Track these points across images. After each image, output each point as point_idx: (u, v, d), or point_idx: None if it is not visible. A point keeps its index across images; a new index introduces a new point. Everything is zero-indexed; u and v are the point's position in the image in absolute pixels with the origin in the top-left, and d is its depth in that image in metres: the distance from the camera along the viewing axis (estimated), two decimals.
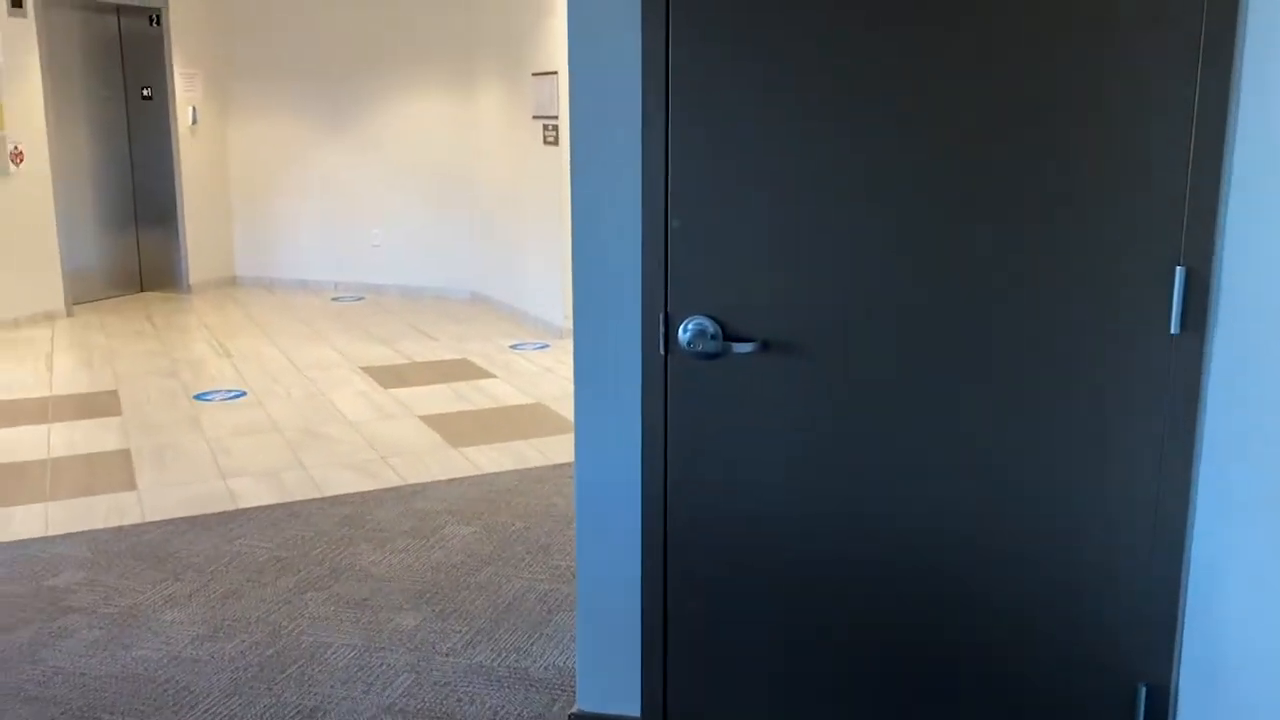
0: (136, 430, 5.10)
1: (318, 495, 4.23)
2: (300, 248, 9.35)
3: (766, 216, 2.10)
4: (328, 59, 8.91)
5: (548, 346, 6.96)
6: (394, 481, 4.39)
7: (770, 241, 2.11)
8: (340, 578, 3.48)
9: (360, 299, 8.85)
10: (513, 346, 6.95)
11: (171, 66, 8.79)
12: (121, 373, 6.24)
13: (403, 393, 5.79)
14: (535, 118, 7.29)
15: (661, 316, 2.19)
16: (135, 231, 9.05)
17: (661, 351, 2.20)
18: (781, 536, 2.22)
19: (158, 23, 8.71)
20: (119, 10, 8.65)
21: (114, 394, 5.77)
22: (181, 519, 3.98)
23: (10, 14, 7.42)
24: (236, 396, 5.73)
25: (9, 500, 4.17)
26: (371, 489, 4.30)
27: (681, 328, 2.17)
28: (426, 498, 4.19)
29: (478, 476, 4.43)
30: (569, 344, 7.01)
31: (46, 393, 5.79)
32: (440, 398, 5.69)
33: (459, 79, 8.50)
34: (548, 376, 6.17)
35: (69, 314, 8.01)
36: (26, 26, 7.55)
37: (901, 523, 2.16)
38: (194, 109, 9.02)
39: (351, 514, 4.03)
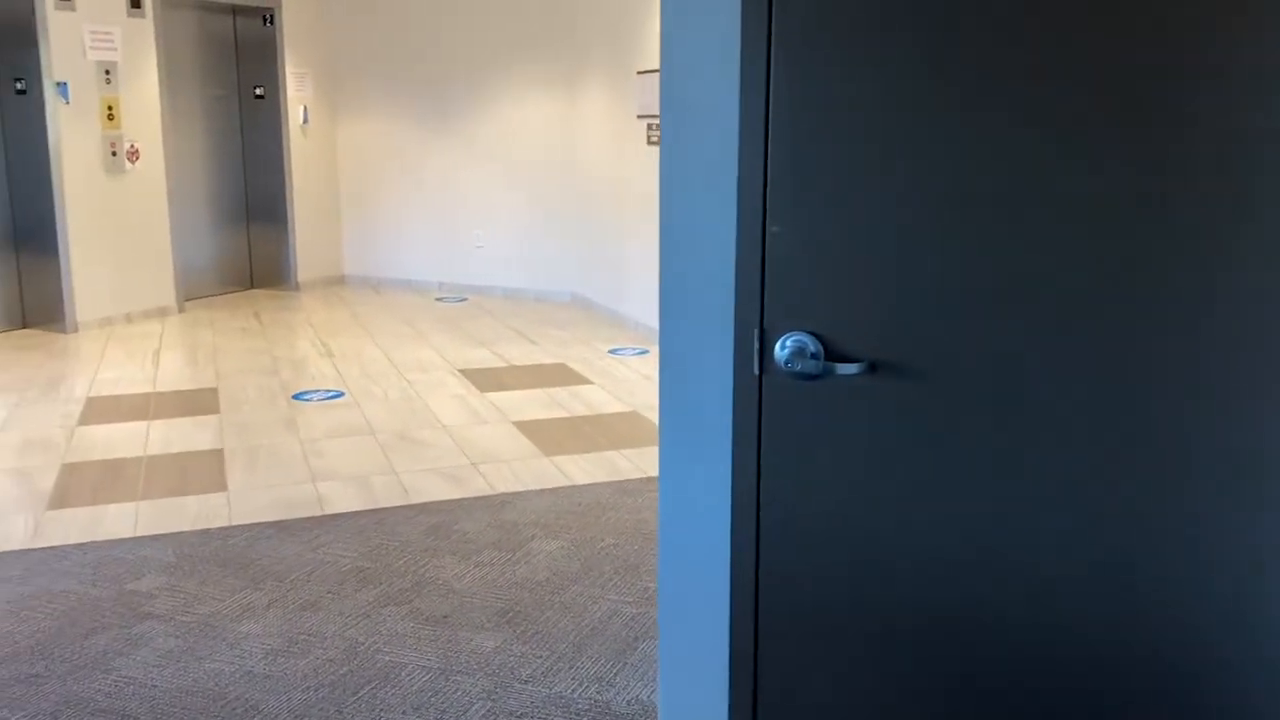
0: (232, 430, 5.09)
1: (405, 502, 4.13)
2: (406, 248, 9.37)
3: (877, 222, 1.87)
4: (435, 59, 8.90)
5: (647, 352, 6.79)
6: (483, 490, 4.26)
7: (881, 250, 1.88)
8: (422, 592, 3.35)
9: (463, 300, 8.82)
10: (611, 351, 6.79)
11: (283, 66, 8.89)
12: (224, 370, 6.27)
13: (499, 397, 5.68)
14: (639, 117, 7.12)
15: (756, 332, 1.97)
16: (247, 229, 9.18)
17: (756, 371, 1.99)
18: (888, 580, 1.99)
19: (271, 22, 8.82)
20: (234, 10, 8.78)
21: (214, 392, 5.79)
22: (268, 523, 3.92)
23: (129, 14, 7.57)
24: (334, 397, 5.69)
25: (103, 498, 4.17)
26: (460, 497, 4.18)
27: (779, 345, 1.96)
28: (515, 509, 4.05)
29: (568, 488, 4.27)
30: None
31: (150, 389, 5.85)
32: (536, 403, 5.56)
33: (564, 78, 8.39)
34: (645, 384, 5.99)
35: (180, 310, 8.15)
36: (145, 26, 7.70)
37: (1028, 571, 1.90)
38: (305, 108, 9.11)
39: (438, 523, 3.91)
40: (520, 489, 4.27)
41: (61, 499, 4.16)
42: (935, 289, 1.85)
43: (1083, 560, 1.86)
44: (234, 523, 3.93)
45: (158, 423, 5.21)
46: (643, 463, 4.59)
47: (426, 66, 8.95)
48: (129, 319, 7.75)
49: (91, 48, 7.31)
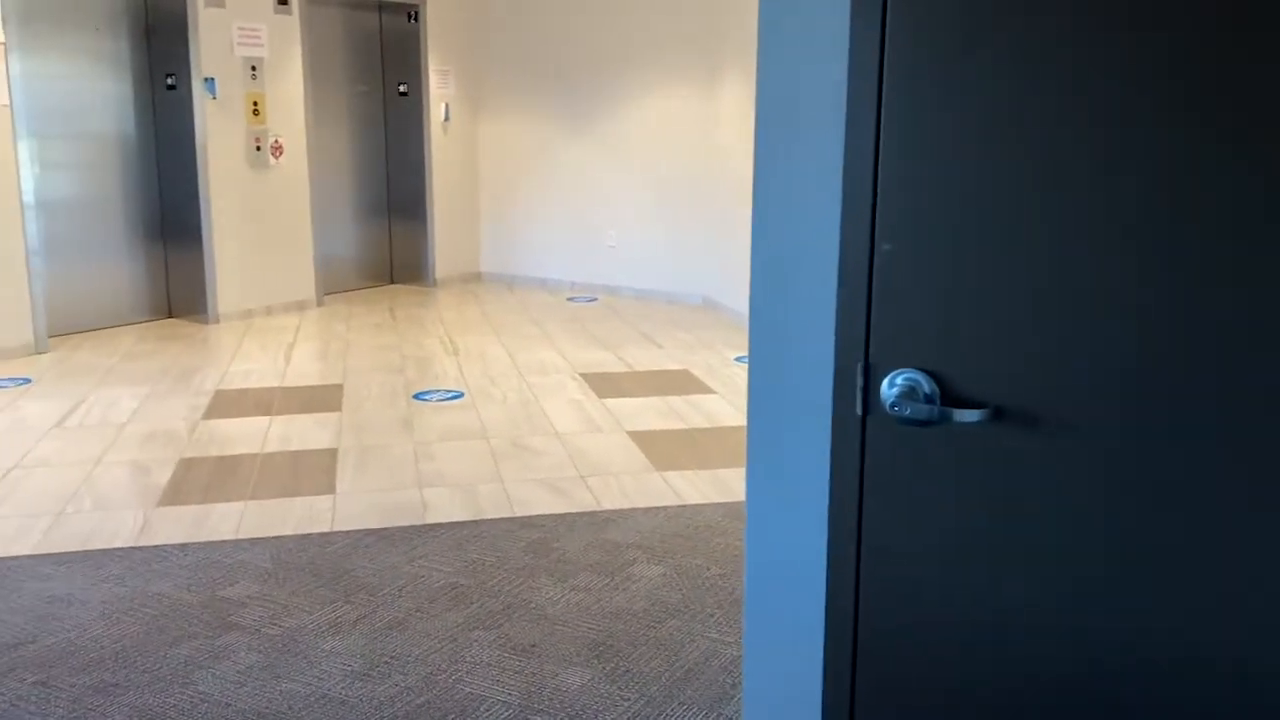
0: (350, 429, 5.05)
1: (508, 515, 3.97)
2: (541, 246, 9.30)
3: (1010, 240, 1.58)
4: (575, 56, 8.79)
5: None
6: (588, 505, 4.07)
7: (1013, 274, 1.58)
8: (512, 616, 3.18)
9: (594, 300, 8.68)
10: (738, 359, 6.53)
11: (427, 63, 8.92)
12: (351, 367, 6.28)
13: (616, 404, 5.49)
14: None
15: (860, 367, 1.70)
16: (388, 225, 9.28)
17: (859, 412, 1.72)
18: (1004, 648, 1.69)
19: (416, 19, 8.86)
20: (380, 7, 8.86)
21: (339, 389, 5.79)
22: (368, 530, 3.82)
23: (276, 10, 7.69)
24: (453, 398, 5.61)
25: (212, 496, 4.15)
26: (564, 512, 4.00)
27: (886, 383, 1.68)
28: (619, 527, 3.84)
29: (677, 508, 4.04)
30: None
31: (277, 384, 5.88)
32: (653, 412, 5.35)
33: (703, 74, 8.15)
34: None
35: (319, 304, 8.27)
36: (291, 23, 7.82)
37: (1177, 652, 1.58)
38: (446, 105, 9.14)
39: (539, 540, 3.74)
40: (627, 506, 4.06)
41: (173, 495, 4.16)
42: (1081, 324, 1.55)
43: (1241, 641, 1.52)
44: (336, 528, 3.85)
45: (279, 419, 5.21)
46: None
47: (566, 64, 8.86)
48: (269, 312, 7.90)
49: (239, 44, 7.46)
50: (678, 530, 3.82)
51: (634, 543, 3.71)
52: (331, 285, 8.70)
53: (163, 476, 4.36)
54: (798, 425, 1.83)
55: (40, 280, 6.50)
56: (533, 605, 3.25)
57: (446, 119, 9.16)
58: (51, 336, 6.79)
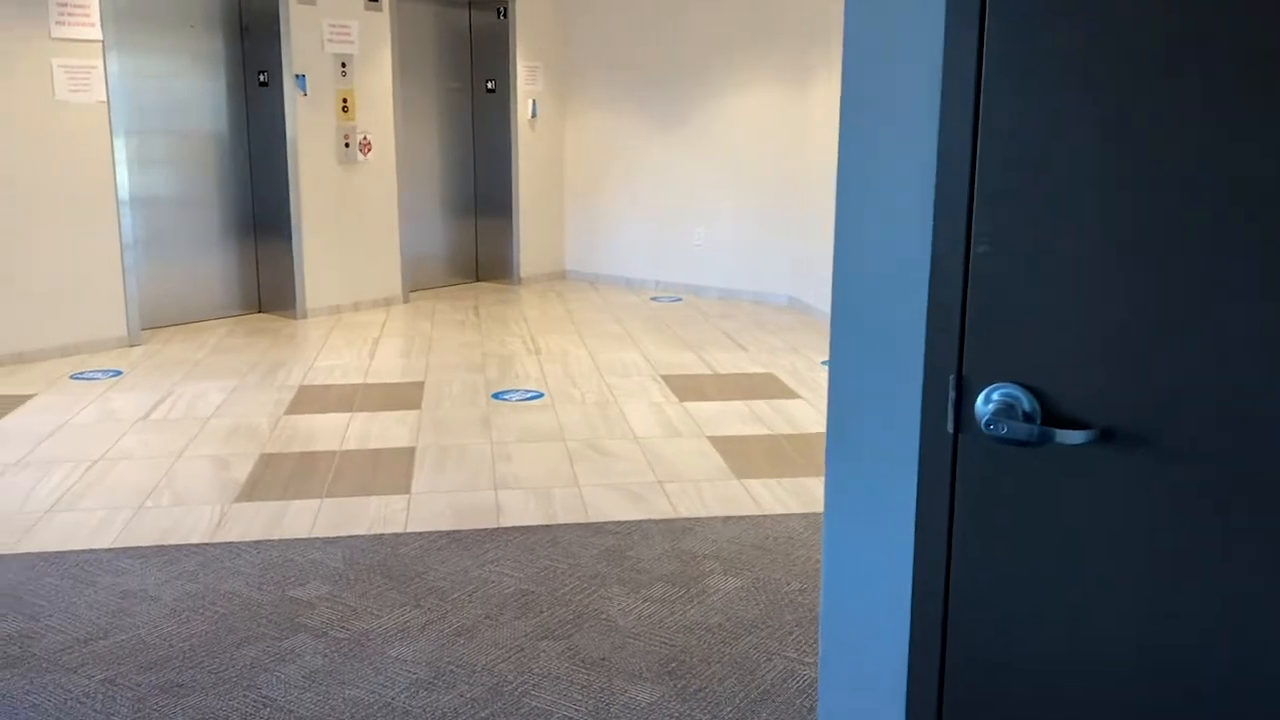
0: (429, 427, 5.01)
1: (583, 520, 3.88)
2: (626, 244, 9.22)
3: (1117, 245, 1.41)
4: (663, 52, 8.68)
5: None
6: (665, 512, 3.95)
7: (1123, 281, 1.42)
8: (583, 626, 3.08)
9: (678, 300, 8.57)
10: (824, 363, 6.34)
11: (515, 59, 8.90)
12: (434, 364, 6.27)
13: (697, 408, 5.36)
14: None
15: (953, 380, 1.56)
16: (474, 223, 9.29)
17: (950, 429, 1.57)
18: (1109, 703, 1.52)
19: (504, 15, 8.85)
20: (470, 3, 8.86)
21: (420, 386, 5.77)
22: (441, 533, 3.76)
23: (367, 7, 7.73)
24: (533, 398, 5.55)
25: (290, 493, 4.14)
26: (639, 519, 3.88)
27: (982, 398, 1.53)
28: (696, 536, 3.72)
29: (757, 517, 3.90)
30: None
31: (360, 380, 5.89)
32: (735, 417, 5.21)
33: (792, 73, 7.98)
34: None
35: (405, 300, 8.30)
36: (381, 20, 7.85)
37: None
38: (534, 102, 9.11)
39: (612, 547, 3.63)
40: (704, 514, 3.93)
41: (251, 491, 4.16)
42: (1204, 338, 1.38)
43: None
44: (409, 529, 3.80)
45: (360, 415, 5.21)
46: None
47: (654, 59, 8.75)
48: (356, 307, 7.95)
49: (329, 40, 7.51)
50: (756, 541, 3.68)
51: (711, 553, 3.59)
52: (418, 282, 8.73)
53: (242, 472, 4.37)
54: (882, 439, 1.69)
55: (134, 274, 6.62)
56: (604, 616, 3.14)
57: (534, 116, 9.13)
58: (144, 329, 6.92)
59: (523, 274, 9.27)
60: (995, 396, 1.52)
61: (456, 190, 9.14)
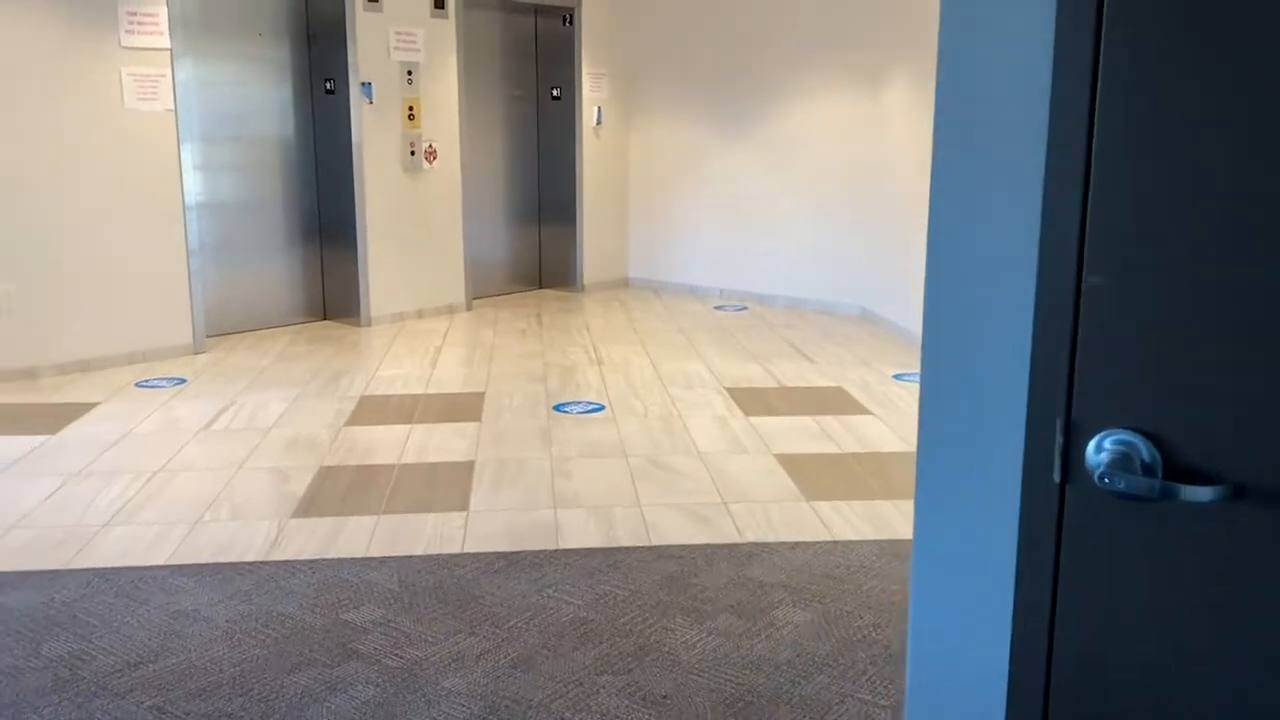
0: (488, 440, 4.92)
1: (645, 543, 3.74)
2: (690, 252, 9.08)
3: (1250, 277, 1.24)
4: (731, 56, 8.53)
5: None
6: (730, 536, 3.80)
7: (1257, 318, 1.24)
8: (644, 660, 2.94)
9: (744, 309, 8.40)
10: (896, 377, 6.14)
11: (581, 66, 8.81)
12: (495, 374, 6.18)
13: (763, 422, 5.20)
14: None
15: (1060, 424, 1.39)
16: (538, 230, 9.21)
17: (1057, 479, 1.40)
18: None
19: (570, 22, 8.76)
20: (536, 10, 8.79)
21: (480, 397, 5.69)
22: (499, 554, 3.65)
23: (433, 15, 7.69)
24: (594, 410, 5.43)
25: (348, 509, 4.06)
26: (704, 542, 3.74)
27: (1094, 446, 1.37)
28: (763, 563, 3.56)
29: (828, 544, 3.73)
30: None
31: (421, 390, 5.83)
32: (803, 433, 5.03)
33: (864, 77, 7.77)
34: None
35: (468, 308, 8.25)
36: (447, 27, 7.81)
37: None
38: (599, 109, 9.01)
39: (676, 573, 3.49)
40: (772, 539, 3.77)
41: (309, 505, 4.09)
42: None
43: None
44: (466, 549, 3.69)
45: (420, 427, 5.13)
46: None
47: (721, 63, 8.61)
48: (419, 315, 7.91)
49: (395, 48, 7.48)
50: (827, 569, 3.51)
51: (779, 581, 3.43)
52: (481, 289, 8.68)
53: (300, 485, 4.31)
54: (978, 485, 1.53)
55: (200, 281, 6.63)
56: (666, 649, 3.00)
57: (599, 123, 9.03)
58: (210, 336, 6.95)
59: (586, 281, 9.17)
60: (1109, 444, 1.35)
61: (520, 197, 9.07)
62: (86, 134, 6.04)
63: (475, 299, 8.52)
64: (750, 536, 3.79)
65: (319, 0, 7.31)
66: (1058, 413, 1.40)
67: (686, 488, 4.29)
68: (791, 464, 4.58)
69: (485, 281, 8.75)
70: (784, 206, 8.41)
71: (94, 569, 3.51)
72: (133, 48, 6.17)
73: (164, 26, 6.29)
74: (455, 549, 3.69)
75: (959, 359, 1.53)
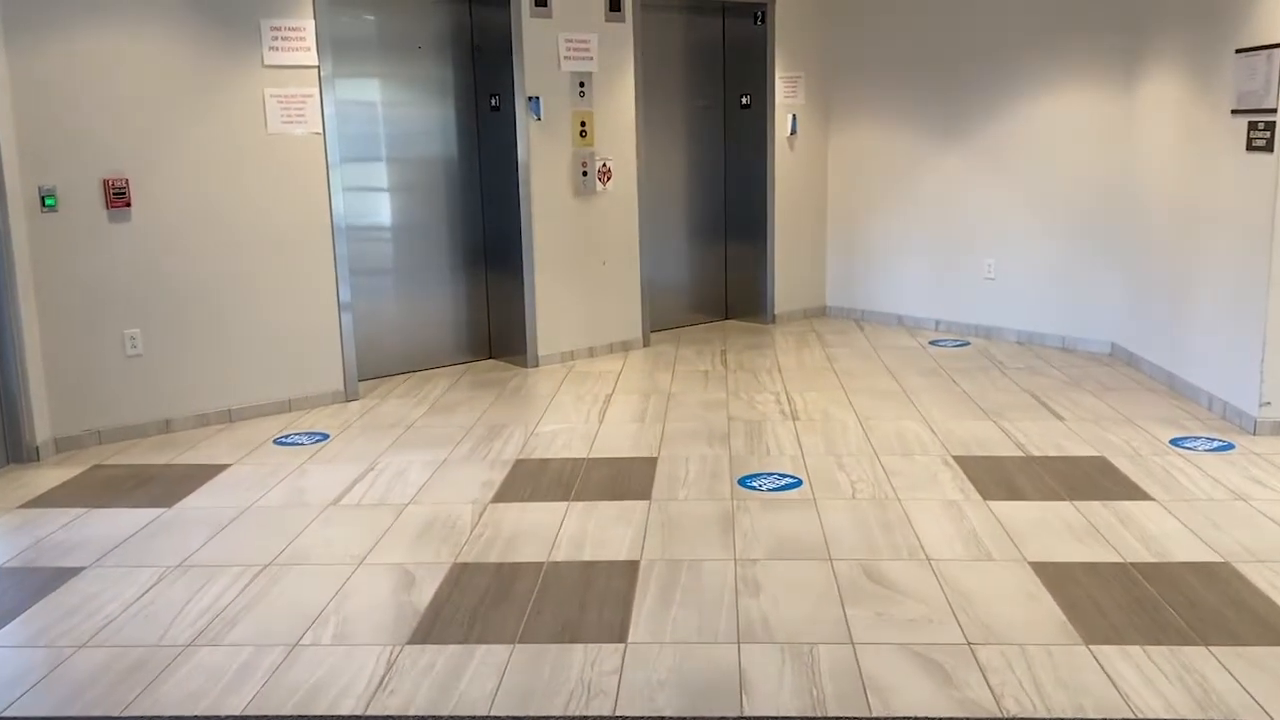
0: (656, 529, 4.00)
1: (862, 711, 2.72)
2: (898, 277, 7.94)
3: None
4: (947, 54, 7.36)
5: (1231, 447, 4.77)
6: (983, 704, 2.73)
7: None
8: None
9: (964, 344, 7.20)
10: (1174, 442, 4.86)
11: (773, 70, 7.83)
12: (670, 432, 5.27)
13: (1008, 511, 4.07)
14: (1235, 112, 5.08)
15: None
16: (723, 255, 8.28)
17: None
18: None
19: (762, 21, 7.79)
20: (724, 9, 7.87)
21: (651, 464, 4.78)
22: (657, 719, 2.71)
23: (607, 19, 6.87)
24: (789, 487, 4.43)
25: (477, 633, 3.21)
26: (945, 716, 2.69)
27: None
28: None
29: None
30: (1271, 449, 4.75)
31: (584, 453, 4.97)
32: (1064, 529, 3.88)
33: (1118, 65, 6.46)
34: (1239, 508, 4.05)
35: (645, 344, 7.39)
36: (624, 32, 6.98)
37: None
38: (793, 117, 8.00)
39: None
40: (1042, 713, 2.68)
41: (431, 624, 3.27)
42: None
43: None
44: (619, 709, 2.77)
45: (577, 506, 4.27)
46: (1257, 687, 2.78)
47: (934, 55, 7.44)
48: (591, 353, 7.10)
49: (566, 57, 6.70)
50: None
51: None
52: (660, 321, 7.81)
53: (426, 592, 3.50)
54: None
55: (352, 320, 6.01)
56: None
57: (793, 132, 8.02)
58: (365, 379, 6.33)
59: (778, 310, 8.17)
60: None
61: (704, 219, 8.15)
62: (224, 161, 5.49)
63: (653, 331, 7.65)
64: (1012, 707, 2.71)
65: (485, 9, 6.60)
66: None
67: (913, 615, 3.24)
68: (1055, 579, 3.45)
69: (665, 313, 7.87)
70: (1012, 223, 7.17)
71: (153, 718, 2.78)
72: (277, 65, 5.60)
73: (311, 42, 5.69)
74: (605, 708, 2.78)
75: None
